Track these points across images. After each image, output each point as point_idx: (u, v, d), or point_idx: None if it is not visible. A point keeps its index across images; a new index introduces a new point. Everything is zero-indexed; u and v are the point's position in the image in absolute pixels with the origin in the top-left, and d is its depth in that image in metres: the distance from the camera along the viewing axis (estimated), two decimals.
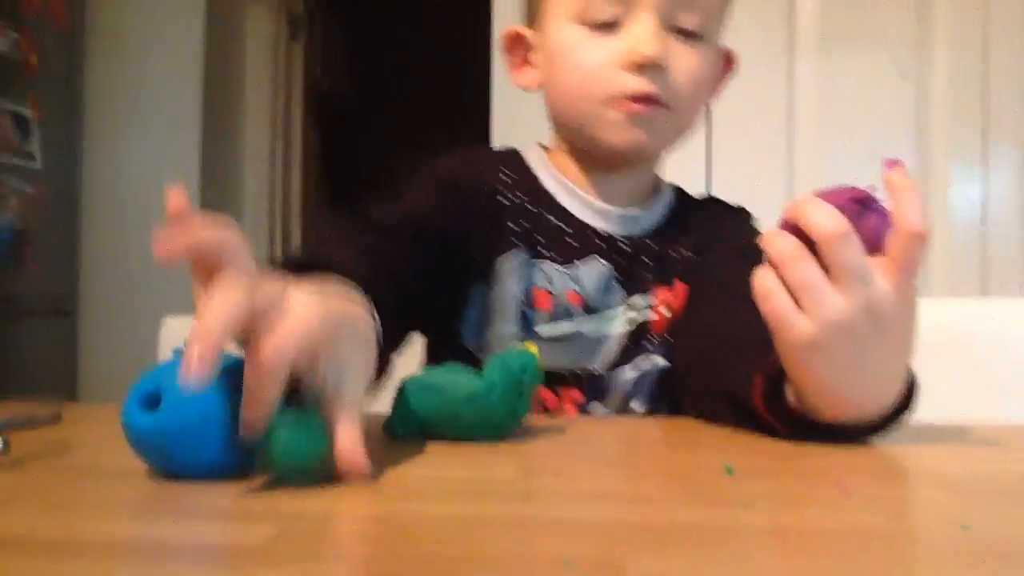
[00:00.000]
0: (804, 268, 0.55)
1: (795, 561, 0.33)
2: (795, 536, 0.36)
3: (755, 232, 0.95)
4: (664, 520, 0.38)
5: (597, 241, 0.90)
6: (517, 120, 2.08)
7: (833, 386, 0.58)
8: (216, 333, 0.42)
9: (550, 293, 0.88)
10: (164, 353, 1.15)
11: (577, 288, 0.88)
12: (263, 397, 0.44)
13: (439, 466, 0.52)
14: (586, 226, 0.91)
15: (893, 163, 0.56)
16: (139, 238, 2.95)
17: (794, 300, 0.56)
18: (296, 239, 3.49)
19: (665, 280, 0.91)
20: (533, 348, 0.64)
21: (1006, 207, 2.10)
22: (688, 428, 0.70)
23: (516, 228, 0.90)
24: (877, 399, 0.59)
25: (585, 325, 0.88)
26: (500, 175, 0.93)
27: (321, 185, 3.92)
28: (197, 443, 0.46)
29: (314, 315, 0.46)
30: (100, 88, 2.99)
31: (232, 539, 0.36)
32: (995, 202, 2.11)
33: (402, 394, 0.61)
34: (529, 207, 0.91)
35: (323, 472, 0.45)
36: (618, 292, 0.89)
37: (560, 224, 0.90)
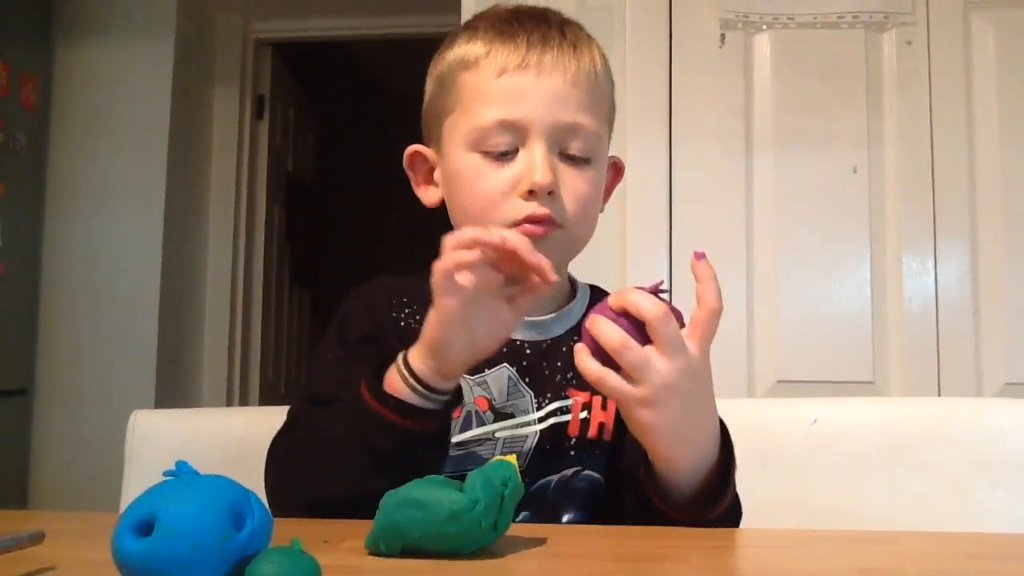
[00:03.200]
0: (632, 351, 0.70)
1: None
2: None
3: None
4: None
5: (504, 350, 0.92)
6: None
7: (673, 434, 0.73)
8: None
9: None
10: (134, 446, 1.14)
11: (485, 393, 0.91)
12: None
13: None
14: None
15: (700, 256, 0.74)
16: (99, 318, 2.92)
17: (627, 374, 0.70)
18: (257, 318, 3.47)
19: (583, 383, 0.89)
20: (512, 460, 0.65)
21: (957, 299, 2.17)
22: (666, 538, 0.71)
23: None
24: (706, 439, 0.76)
25: (497, 428, 0.90)
26: (403, 301, 0.97)
27: (283, 266, 3.92)
28: (189, 571, 0.47)
29: None
30: (64, 167, 2.99)
31: None
32: (946, 295, 2.17)
33: (385, 509, 0.62)
34: None
35: None
36: (526, 395, 0.92)
37: None
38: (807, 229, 2.21)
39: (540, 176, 0.86)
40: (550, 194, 0.88)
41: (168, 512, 0.47)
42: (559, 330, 0.96)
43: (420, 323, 0.95)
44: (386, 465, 0.72)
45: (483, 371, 0.92)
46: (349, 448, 0.78)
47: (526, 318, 0.94)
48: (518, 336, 0.94)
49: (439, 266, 0.74)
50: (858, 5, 2.24)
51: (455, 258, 0.74)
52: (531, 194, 0.87)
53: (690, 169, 2.25)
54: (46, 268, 2.95)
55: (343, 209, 5.29)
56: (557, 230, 0.89)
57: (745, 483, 0.88)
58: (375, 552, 0.61)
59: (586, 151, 0.91)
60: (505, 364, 0.92)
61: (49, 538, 0.61)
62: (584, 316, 0.95)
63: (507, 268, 0.77)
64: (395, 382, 0.78)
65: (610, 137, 0.98)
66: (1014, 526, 1.03)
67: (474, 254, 0.74)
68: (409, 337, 0.93)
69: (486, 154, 0.89)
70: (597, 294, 1.02)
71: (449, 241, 0.75)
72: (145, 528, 0.48)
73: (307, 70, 4.17)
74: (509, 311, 0.79)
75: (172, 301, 3.02)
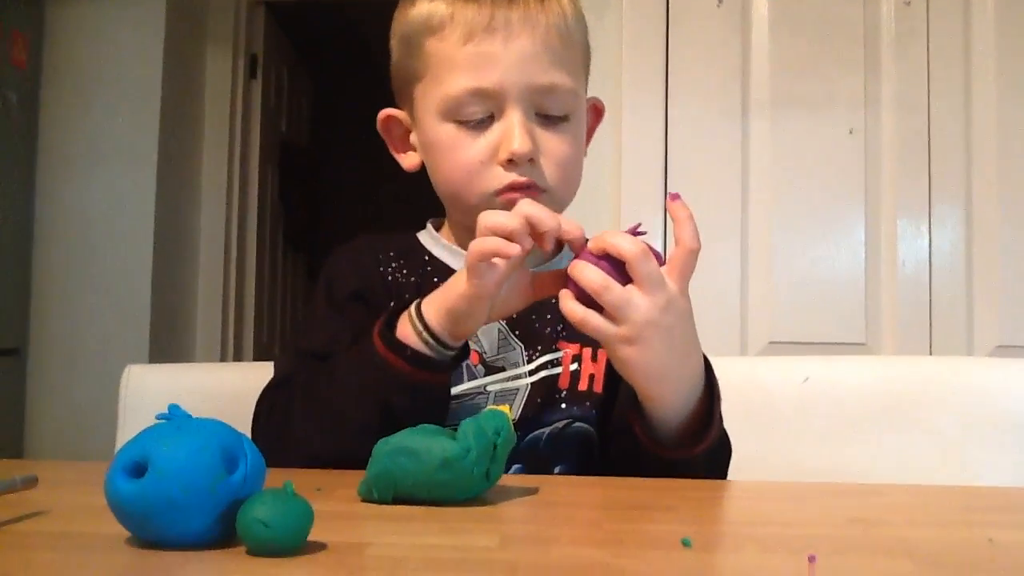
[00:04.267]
0: (612, 291, 0.71)
1: None
2: None
3: None
4: None
5: None
6: None
7: (658, 370, 0.74)
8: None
9: None
10: (127, 401, 1.14)
11: (475, 346, 0.91)
12: None
13: (418, 533, 0.53)
14: None
15: (674, 197, 0.75)
16: (92, 277, 2.92)
17: (610, 315, 0.72)
18: (251, 282, 3.47)
19: (573, 335, 0.92)
20: (506, 410, 0.65)
21: (950, 263, 2.17)
22: (656, 489, 0.72)
23: (411, 301, 0.91)
24: (690, 374, 0.78)
25: (489, 381, 0.90)
26: (389, 256, 0.97)
27: (277, 228, 3.90)
28: (181, 513, 0.47)
29: None
30: (56, 126, 2.96)
31: None
32: (940, 258, 2.17)
33: (377, 457, 0.62)
34: (423, 281, 0.94)
35: (299, 548, 0.46)
36: (517, 348, 0.92)
37: None
38: (802, 191, 2.21)
39: (518, 144, 0.85)
40: (530, 161, 0.86)
41: (161, 454, 0.47)
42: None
43: (408, 277, 0.95)
44: (394, 420, 0.71)
45: None
46: (357, 403, 0.78)
47: None
48: None
49: (477, 248, 0.74)
50: None
51: (495, 245, 0.73)
52: (511, 163, 0.86)
53: (686, 131, 2.25)
54: (39, 227, 2.94)
55: (337, 173, 5.26)
56: (541, 195, 0.87)
57: (737, 440, 0.88)
58: (368, 499, 0.62)
59: (563, 109, 0.89)
60: None
61: (43, 484, 0.61)
62: None
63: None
64: (408, 334, 0.78)
65: (587, 80, 0.95)
66: (1003, 484, 1.04)
67: (515, 248, 0.73)
68: (397, 291, 0.94)
69: (461, 123, 0.87)
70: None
71: (487, 222, 0.74)
72: (138, 470, 0.48)
73: (301, 32, 4.13)
74: (529, 278, 0.80)
75: (165, 261, 3.01)
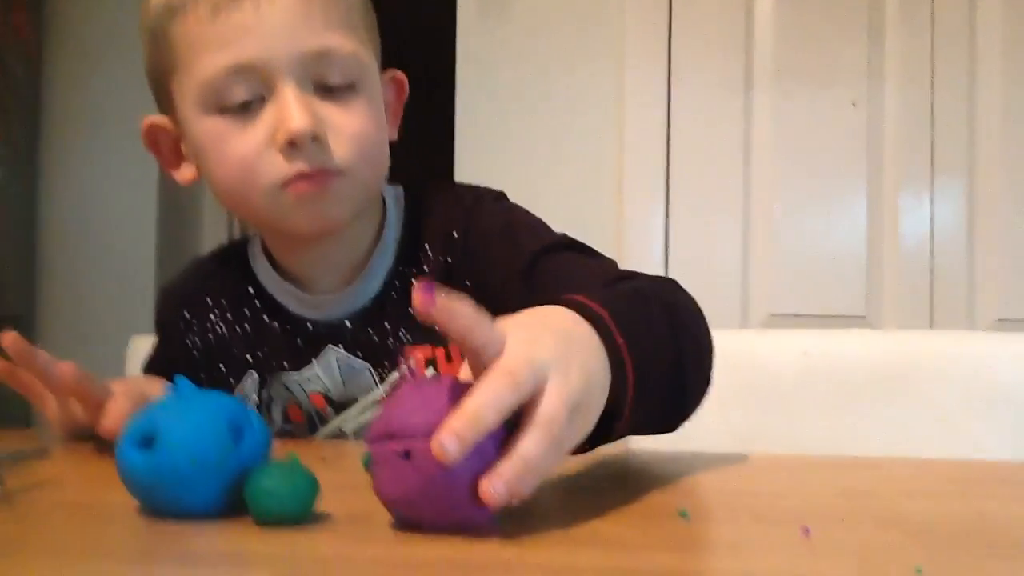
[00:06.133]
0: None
1: None
2: None
3: (510, 217, 0.85)
4: (641, 567, 0.41)
5: (324, 332, 0.84)
6: (481, 150, 2.10)
7: None
8: None
9: (297, 404, 0.84)
10: (132, 372, 1.15)
11: (319, 387, 0.84)
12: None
13: None
14: (309, 321, 0.85)
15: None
16: (97, 254, 2.93)
17: None
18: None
19: (420, 336, 0.82)
20: None
21: (952, 236, 2.17)
22: (652, 461, 0.73)
23: (241, 354, 0.87)
24: None
25: (340, 421, 0.83)
26: (207, 303, 0.90)
27: None
28: (190, 484, 0.48)
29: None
30: (61, 103, 2.96)
31: None
32: (942, 232, 2.17)
33: None
34: (249, 325, 0.87)
35: (306, 517, 0.47)
36: (365, 373, 0.83)
37: (286, 327, 0.86)
38: (805, 164, 2.21)
39: (296, 122, 0.72)
40: (316, 140, 0.73)
41: (168, 426, 0.49)
42: (375, 285, 0.85)
43: (235, 326, 0.87)
44: None
45: (309, 362, 0.84)
46: None
47: (329, 298, 0.85)
48: (337, 315, 0.85)
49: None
50: None
51: None
52: (292, 146, 0.73)
53: (689, 104, 2.24)
54: (43, 206, 2.94)
55: None
56: (337, 179, 0.76)
57: (736, 414, 0.89)
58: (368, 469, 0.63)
59: (347, 76, 0.76)
60: (329, 346, 0.84)
61: (53, 455, 0.62)
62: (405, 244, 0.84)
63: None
64: None
65: (376, 47, 0.83)
66: (1003, 458, 1.05)
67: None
68: (222, 348, 0.88)
69: (225, 111, 0.75)
70: (413, 203, 0.88)
71: None
72: (147, 443, 0.49)
73: None
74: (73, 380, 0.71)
75: (170, 227, 3.02)
